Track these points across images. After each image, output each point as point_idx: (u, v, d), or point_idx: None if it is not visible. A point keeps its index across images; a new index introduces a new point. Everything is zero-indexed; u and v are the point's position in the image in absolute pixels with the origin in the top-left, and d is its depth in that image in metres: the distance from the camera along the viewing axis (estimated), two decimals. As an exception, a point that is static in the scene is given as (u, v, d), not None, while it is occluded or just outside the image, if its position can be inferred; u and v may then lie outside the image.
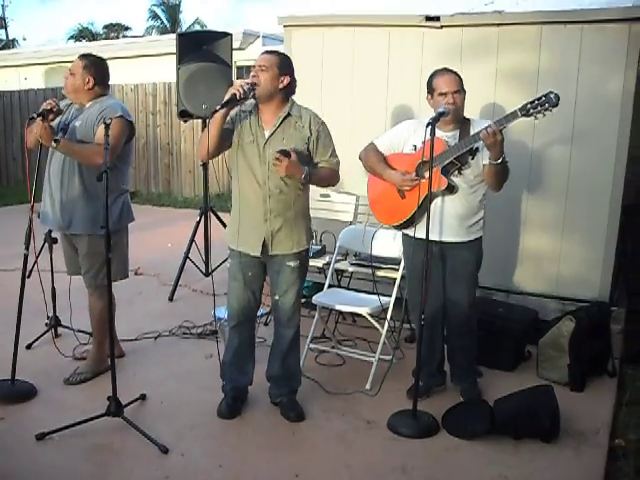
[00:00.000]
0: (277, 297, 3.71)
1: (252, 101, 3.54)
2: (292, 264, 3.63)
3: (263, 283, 3.76)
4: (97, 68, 4.08)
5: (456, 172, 3.67)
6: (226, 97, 3.38)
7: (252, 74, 3.47)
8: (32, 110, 12.41)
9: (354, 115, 5.27)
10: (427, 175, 3.58)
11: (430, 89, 3.73)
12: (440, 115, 3.52)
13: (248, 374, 3.85)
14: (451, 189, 3.67)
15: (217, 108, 3.37)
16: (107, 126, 3.55)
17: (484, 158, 3.62)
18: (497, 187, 3.71)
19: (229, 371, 3.84)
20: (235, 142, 3.57)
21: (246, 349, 3.82)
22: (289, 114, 3.52)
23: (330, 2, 5.52)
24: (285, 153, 3.35)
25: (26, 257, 3.94)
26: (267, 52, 3.58)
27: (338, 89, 5.31)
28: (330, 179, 3.68)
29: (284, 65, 3.50)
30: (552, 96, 3.34)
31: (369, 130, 4.93)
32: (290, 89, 3.55)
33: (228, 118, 3.49)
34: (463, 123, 3.71)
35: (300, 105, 3.61)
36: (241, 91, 3.37)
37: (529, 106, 3.38)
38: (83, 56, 4.10)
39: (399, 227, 3.96)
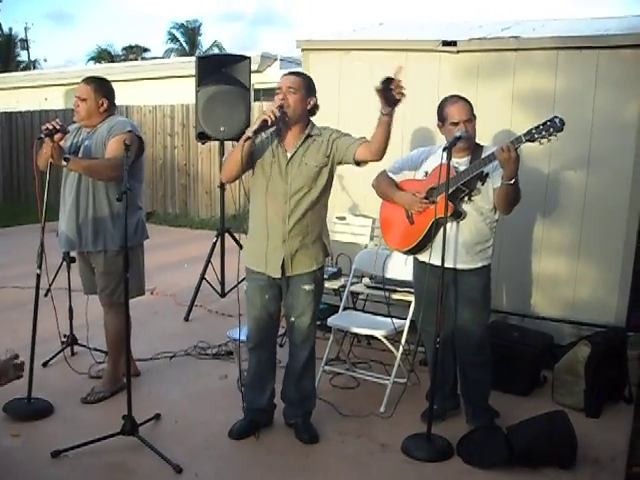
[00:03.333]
0: (292, 319, 3.72)
1: (272, 128, 3.53)
2: (307, 287, 3.63)
3: (280, 305, 3.78)
4: (107, 89, 4.14)
5: (466, 198, 3.67)
6: (257, 124, 3.35)
7: (280, 97, 3.45)
8: (52, 130, 12.59)
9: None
10: (436, 200, 3.60)
11: (441, 117, 3.72)
12: (457, 139, 3.52)
13: (266, 395, 3.84)
14: (458, 215, 3.66)
15: (249, 135, 3.37)
16: (127, 147, 3.60)
17: (494, 182, 3.62)
18: (507, 210, 3.66)
19: (248, 392, 3.85)
20: (257, 164, 3.58)
21: (265, 371, 3.82)
22: (309, 135, 3.55)
23: (340, 26, 5.58)
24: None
25: (39, 276, 3.98)
26: (292, 74, 3.60)
27: (355, 112, 5.32)
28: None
29: (310, 87, 3.55)
30: (557, 121, 3.31)
31: (386, 153, 4.96)
32: (314, 111, 3.59)
33: None
34: (475, 150, 3.70)
35: (318, 126, 3.63)
36: (272, 117, 3.34)
37: (534, 131, 3.36)
38: (88, 80, 4.13)
39: (408, 252, 3.96)
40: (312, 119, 3.62)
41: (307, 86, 3.54)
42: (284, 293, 3.70)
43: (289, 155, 3.54)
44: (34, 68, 34.27)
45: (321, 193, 3.59)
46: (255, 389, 3.83)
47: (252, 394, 3.84)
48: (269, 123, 3.35)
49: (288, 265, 3.59)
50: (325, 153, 3.54)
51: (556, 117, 3.33)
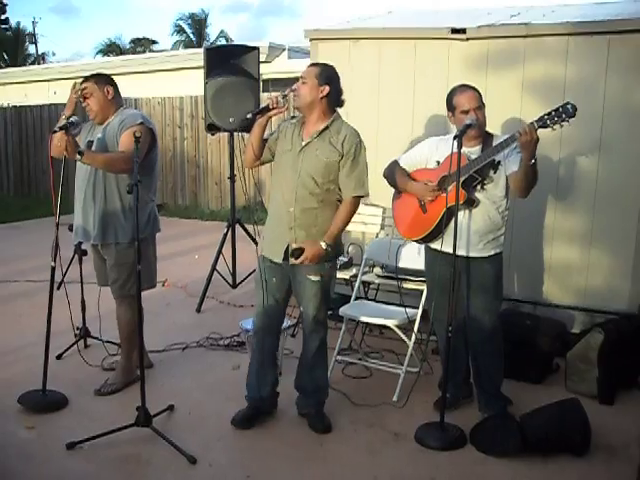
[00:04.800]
0: (301, 308, 3.74)
1: (300, 115, 3.66)
2: (313, 278, 3.61)
3: (289, 293, 3.78)
4: (106, 78, 4.19)
5: (479, 187, 3.65)
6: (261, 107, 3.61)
7: (294, 86, 3.59)
8: (62, 124, 12.66)
9: (381, 127, 5.29)
10: (449, 188, 3.59)
11: (451, 107, 3.69)
12: (467, 127, 3.50)
13: (266, 385, 3.83)
14: (471, 203, 3.64)
15: (247, 116, 3.57)
16: (137, 139, 3.60)
17: (507, 170, 3.60)
18: (525, 192, 3.61)
19: (250, 379, 3.87)
20: (277, 151, 3.68)
21: (265, 359, 3.82)
22: (327, 127, 3.56)
23: (348, 14, 5.57)
24: (299, 252, 3.54)
25: (53, 269, 4.00)
26: (311, 64, 3.70)
27: (365, 101, 5.32)
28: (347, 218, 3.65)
29: (324, 75, 3.55)
30: (569, 107, 3.28)
31: (396, 142, 4.96)
32: (332, 99, 3.58)
33: (272, 132, 3.67)
34: (486, 138, 3.68)
35: (344, 121, 3.63)
36: (274, 101, 3.52)
37: (546, 117, 3.33)
38: (87, 78, 4.16)
39: (421, 241, 3.95)
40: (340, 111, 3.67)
41: (320, 75, 3.54)
42: (292, 281, 3.71)
43: (303, 144, 3.57)
44: (43, 62, 34.35)
45: (332, 188, 3.58)
46: (256, 377, 3.83)
47: (253, 382, 3.84)
48: (269, 106, 3.54)
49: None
50: (337, 158, 3.54)
51: (568, 103, 3.30)
